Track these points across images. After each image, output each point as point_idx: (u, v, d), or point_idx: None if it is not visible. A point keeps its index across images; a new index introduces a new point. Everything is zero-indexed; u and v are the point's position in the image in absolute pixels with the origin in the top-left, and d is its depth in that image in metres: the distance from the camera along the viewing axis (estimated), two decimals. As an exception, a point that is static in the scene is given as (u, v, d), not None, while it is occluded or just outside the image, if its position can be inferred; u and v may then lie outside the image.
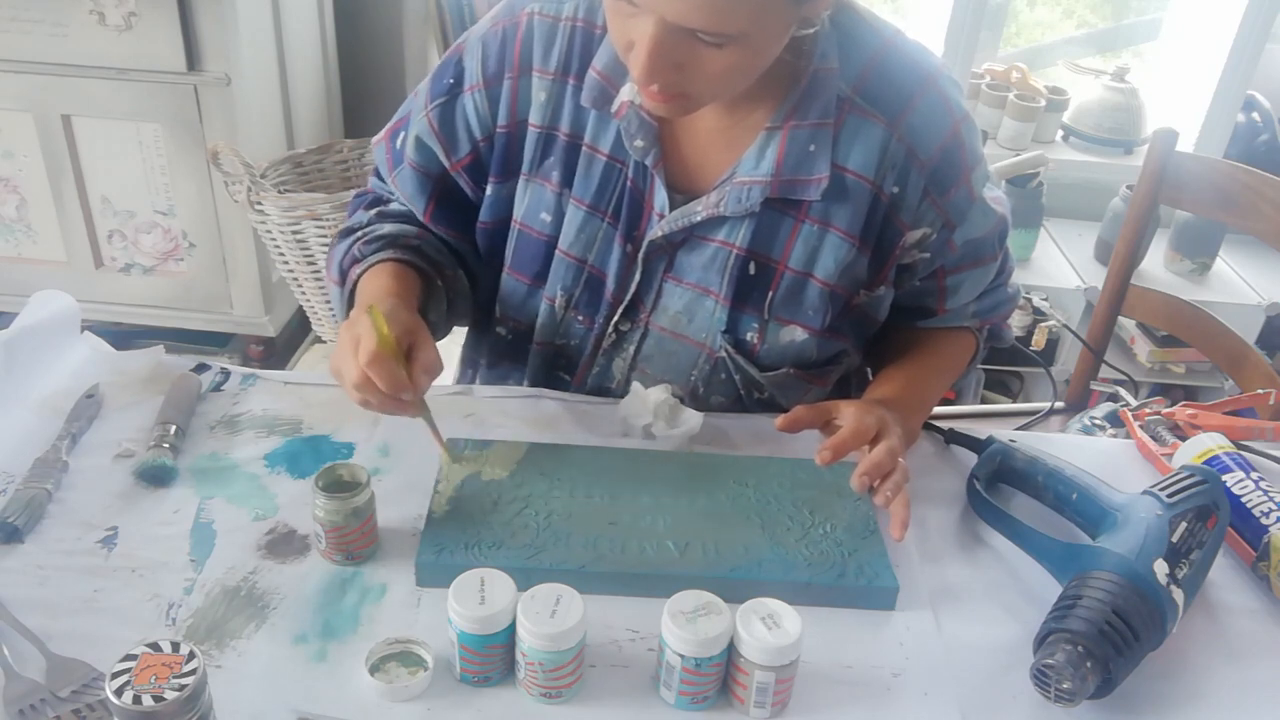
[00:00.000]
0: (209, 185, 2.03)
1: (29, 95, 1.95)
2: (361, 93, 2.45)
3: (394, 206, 1.09)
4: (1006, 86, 2.54)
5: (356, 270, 1.00)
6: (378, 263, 0.99)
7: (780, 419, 0.93)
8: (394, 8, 2.34)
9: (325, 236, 1.96)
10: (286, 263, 2.04)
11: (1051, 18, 3.19)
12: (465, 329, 1.19)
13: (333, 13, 2.31)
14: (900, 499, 0.87)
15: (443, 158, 1.04)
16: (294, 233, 1.96)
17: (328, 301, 2.08)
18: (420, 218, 1.07)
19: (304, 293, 2.11)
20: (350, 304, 1.01)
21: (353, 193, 1.91)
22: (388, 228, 1.04)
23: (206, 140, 1.97)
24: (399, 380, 0.84)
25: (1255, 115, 2.54)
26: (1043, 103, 2.49)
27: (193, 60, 1.92)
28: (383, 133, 1.10)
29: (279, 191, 1.98)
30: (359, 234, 1.04)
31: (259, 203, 1.93)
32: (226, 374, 1.06)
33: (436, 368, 0.88)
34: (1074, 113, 2.58)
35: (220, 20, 1.88)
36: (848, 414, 0.93)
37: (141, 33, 1.88)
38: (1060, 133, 2.59)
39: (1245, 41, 2.40)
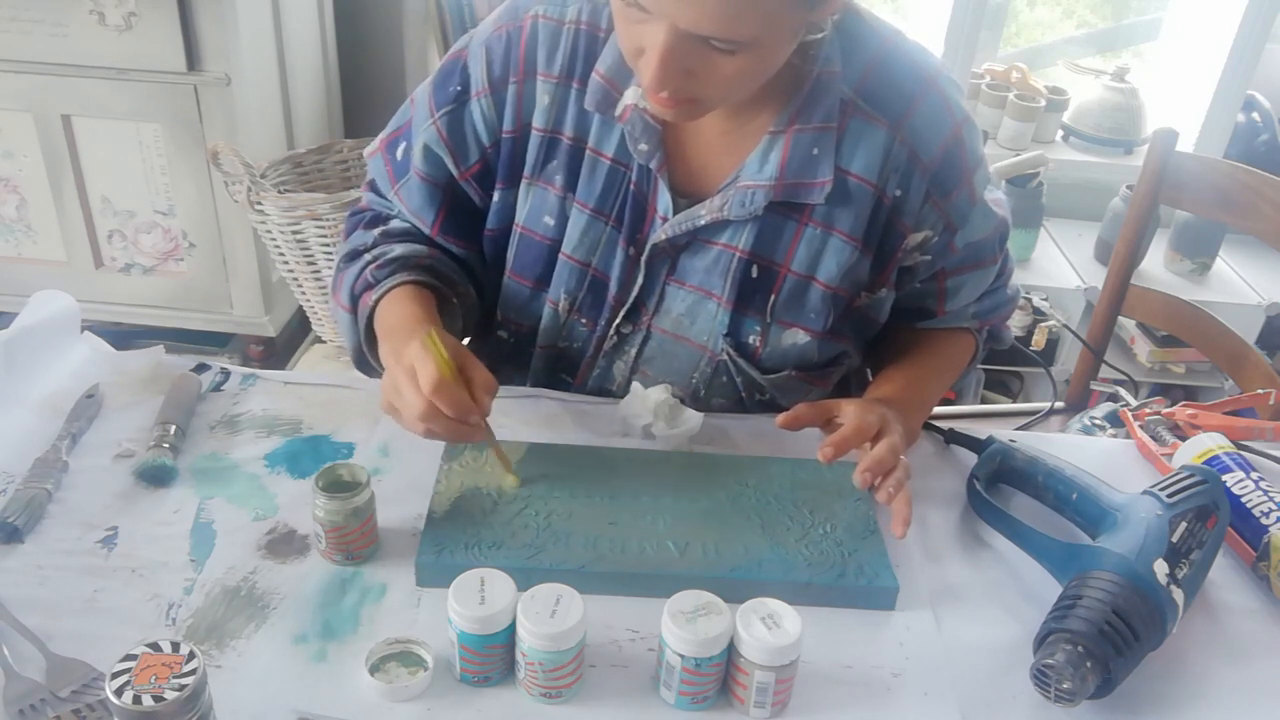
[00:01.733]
0: (209, 185, 2.03)
1: (29, 95, 1.95)
2: (361, 93, 2.45)
3: (395, 225, 1.06)
4: (1006, 86, 2.54)
5: (371, 296, 0.97)
6: (394, 287, 0.97)
7: (781, 417, 0.93)
8: (394, 8, 2.34)
9: (325, 236, 1.96)
10: (286, 263, 2.04)
11: (1051, 18, 3.19)
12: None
13: (333, 13, 2.31)
14: (902, 496, 0.87)
15: (452, 166, 1.03)
16: (294, 233, 1.96)
17: (328, 302, 2.08)
18: (427, 230, 1.05)
19: (304, 293, 2.11)
20: (369, 331, 0.99)
21: (352, 193, 1.93)
22: (399, 249, 1.01)
23: (206, 140, 1.97)
24: (466, 404, 0.83)
25: (1255, 115, 2.54)
26: (1043, 103, 2.49)
27: (193, 60, 1.92)
28: (376, 144, 1.09)
29: (279, 191, 1.98)
30: (369, 258, 1.01)
31: (259, 203, 1.92)
32: (226, 374, 1.06)
33: (494, 385, 0.87)
34: (1074, 113, 2.58)
35: (220, 20, 1.88)
36: (849, 412, 0.93)
37: (141, 33, 1.88)
38: (1060, 133, 2.59)
39: (1245, 41, 2.40)
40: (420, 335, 0.85)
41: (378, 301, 0.97)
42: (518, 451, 0.95)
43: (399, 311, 0.94)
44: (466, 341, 1.20)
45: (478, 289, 1.09)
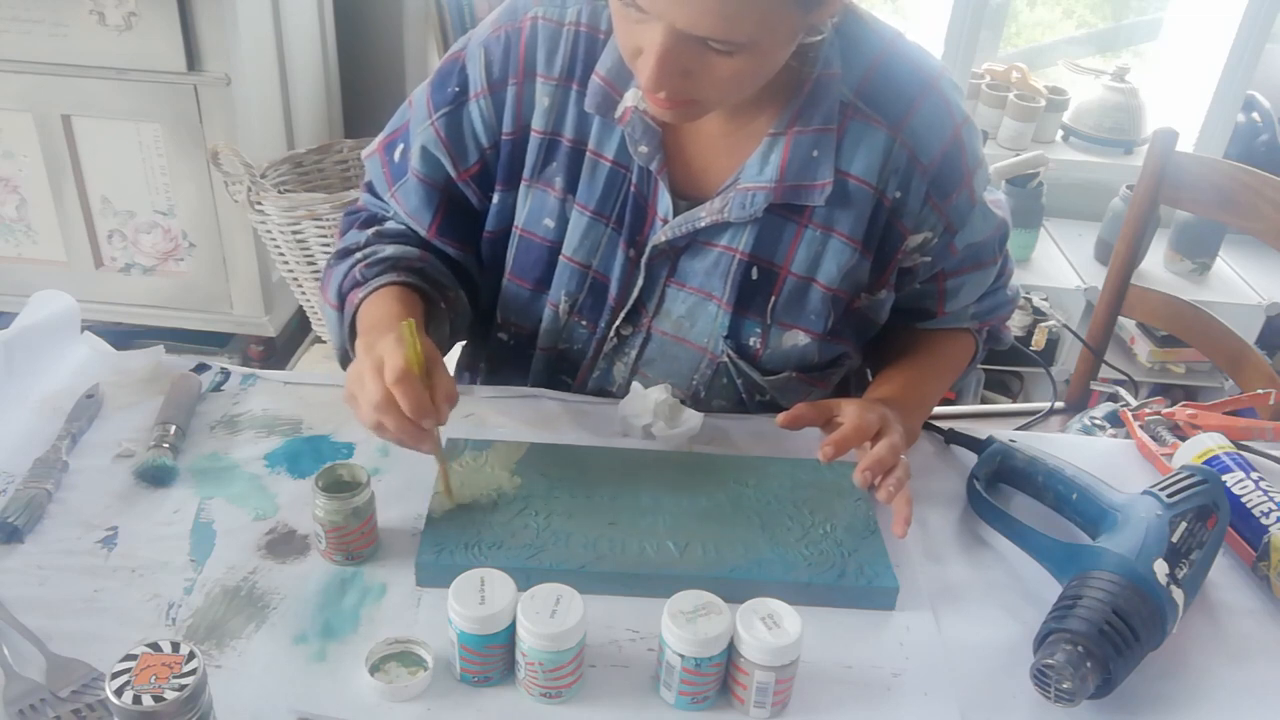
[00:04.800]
0: (209, 185, 2.03)
1: (29, 95, 1.95)
2: (361, 93, 2.45)
3: (391, 225, 1.06)
4: (1006, 86, 2.54)
5: (358, 294, 0.97)
6: (381, 286, 0.96)
7: (782, 416, 0.93)
8: (394, 8, 2.34)
9: (325, 236, 1.96)
10: (286, 263, 2.04)
11: (1051, 18, 3.19)
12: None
13: (333, 13, 2.31)
14: (902, 495, 0.87)
15: (450, 168, 1.02)
16: (294, 233, 1.96)
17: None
18: (424, 232, 1.05)
19: (304, 293, 2.11)
20: (352, 329, 0.98)
21: (352, 193, 1.93)
22: (389, 250, 1.01)
23: (206, 140, 1.97)
24: (424, 403, 0.81)
25: (1255, 115, 2.54)
26: (1043, 103, 2.49)
27: (193, 60, 1.92)
28: (374, 145, 1.08)
29: (279, 191, 1.99)
30: (359, 256, 1.01)
31: (259, 203, 1.93)
32: (226, 374, 1.06)
33: (455, 396, 0.86)
34: (1074, 113, 2.58)
35: (220, 20, 1.88)
36: (849, 411, 0.93)
37: (141, 33, 1.88)
38: (1060, 133, 2.59)
39: (1245, 41, 2.40)
40: (397, 328, 0.84)
41: (363, 299, 0.96)
42: (518, 451, 0.95)
43: (382, 310, 0.94)
44: (461, 345, 1.20)
45: (472, 293, 1.08)
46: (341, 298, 1.00)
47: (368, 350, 0.84)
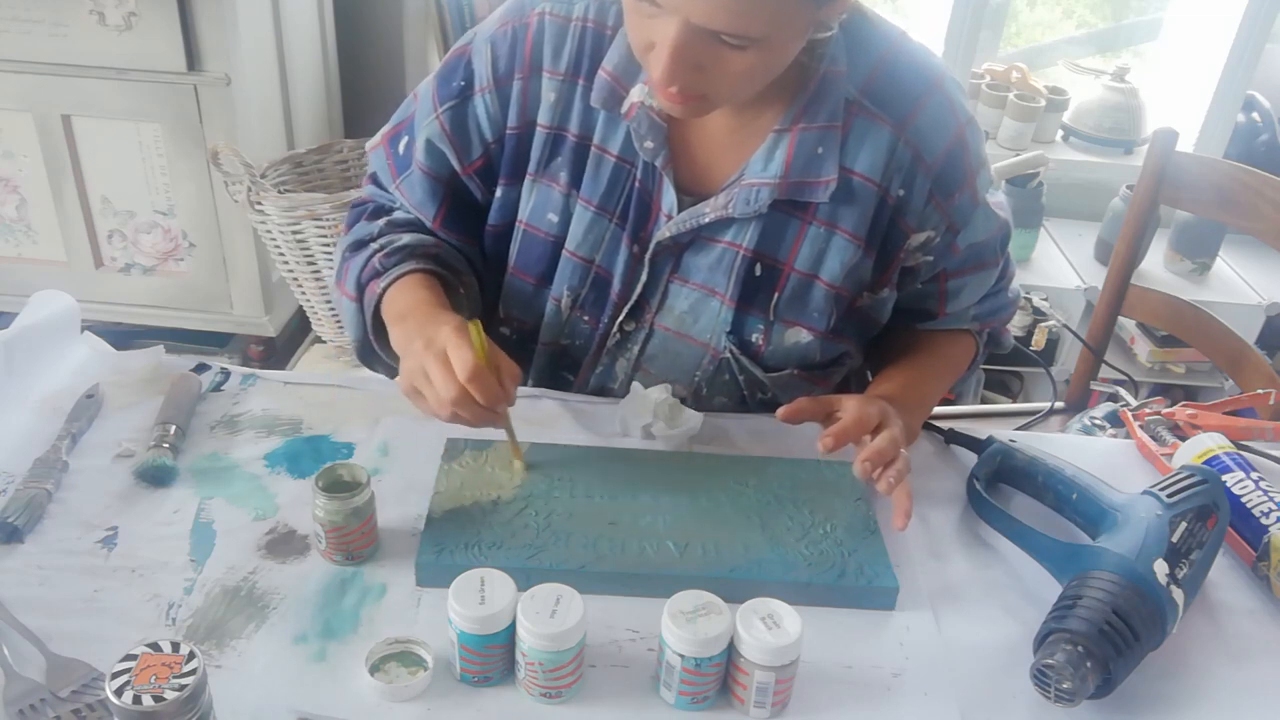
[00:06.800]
0: (209, 185, 2.03)
1: (29, 95, 1.95)
2: (361, 93, 2.45)
3: (400, 215, 1.07)
4: (1006, 86, 2.54)
5: (379, 284, 0.98)
6: (403, 275, 0.97)
7: (782, 410, 0.93)
8: (394, 8, 2.34)
9: (325, 236, 1.96)
10: (286, 263, 2.04)
11: (1051, 18, 3.19)
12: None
13: (333, 13, 2.31)
14: (902, 487, 0.87)
15: (455, 161, 1.03)
16: (294, 233, 1.96)
17: (328, 302, 2.08)
18: (429, 224, 1.05)
19: (304, 293, 2.11)
20: (376, 319, 0.99)
21: (352, 193, 1.93)
22: (406, 238, 1.01)
23: (206, 140, 1.97)
24: (497, 393, 0.84)
25: (1255, 115, 2.54)
26: (1043, 103, 2.49)
27: (193, 60, 1.92)
28: (379, 138, 1.09)
29: (279, 191, 1.98)
30: (375, 246, 1.01)
31: (259, 203, 1.92)
32: (226, 374, 1.06)
33: (519, 374, 0.88)
34: (1074, 113, 2.58)
35: (220, 20, 1.88)
36: (850, 405, 0.93)
37: (141, 33, 1.88)
38: (1060, 133, 2.59)
39: (1245, 41, 2.40)
40: (453, 321, 0.86)
41: (386, 289, 0.97)
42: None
43: (410, 298, 0.95)
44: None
45: (479, 281, 1.09)
46: (360, 289, 1.01)
47: (427, 344, 0.85)
